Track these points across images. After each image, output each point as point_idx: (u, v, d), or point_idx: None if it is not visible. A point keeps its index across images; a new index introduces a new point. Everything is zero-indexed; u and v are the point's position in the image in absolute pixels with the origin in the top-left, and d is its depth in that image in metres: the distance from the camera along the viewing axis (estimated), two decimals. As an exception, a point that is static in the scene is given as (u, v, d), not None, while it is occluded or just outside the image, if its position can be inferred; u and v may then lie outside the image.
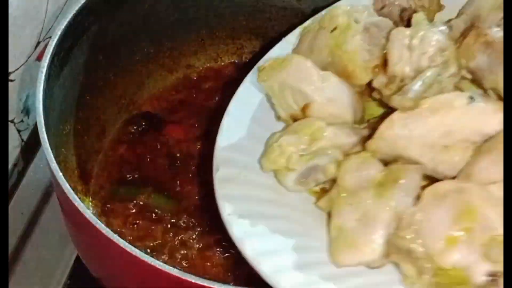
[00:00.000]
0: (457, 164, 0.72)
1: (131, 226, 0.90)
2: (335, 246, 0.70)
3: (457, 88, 0.77)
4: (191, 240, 0.89)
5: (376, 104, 0.83)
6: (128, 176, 0.95)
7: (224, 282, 0.68)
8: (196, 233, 0.89)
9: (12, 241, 0.96)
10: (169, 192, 0.93)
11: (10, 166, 1.01)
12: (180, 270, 0.69)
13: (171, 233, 0.89)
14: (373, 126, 0.76)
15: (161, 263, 0.69)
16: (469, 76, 0.79)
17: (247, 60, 1.10)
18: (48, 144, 0.77)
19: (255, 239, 0.71)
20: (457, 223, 0.66)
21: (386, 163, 0.74)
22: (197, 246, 0.88)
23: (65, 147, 0.89)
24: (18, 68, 0.97)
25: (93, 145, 0.97)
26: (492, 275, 0.65)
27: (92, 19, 0.91)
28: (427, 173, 0.73)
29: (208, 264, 0.87)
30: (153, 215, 0.91)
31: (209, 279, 0.68)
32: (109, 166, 0.97)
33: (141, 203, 0.92)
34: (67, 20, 0.87)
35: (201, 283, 0.68)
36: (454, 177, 0.72)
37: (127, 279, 0.78)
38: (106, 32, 0.94)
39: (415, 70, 0.77)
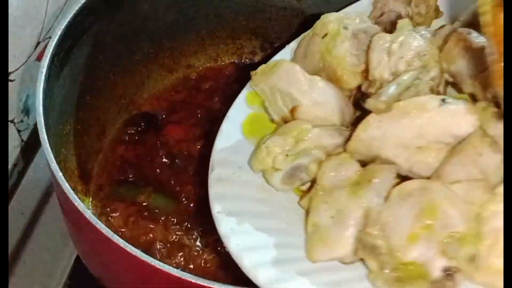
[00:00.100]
0: (431, 164, 0.73)
1: (131, 226, 0.90)
2: (311, 242, 0.73)
3: (434, 91, 0.78)
4: (191, 240, 0.89)
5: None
6: (128, 176, 0.95)
7: (224, 282, 0.68)
8: (196, 233, 0.89)
9: (12, 241, 0.96)
10: (169, 192, 0.93)
11: (10, 166, 1.01)
12: (180, 270, 0.69)
13: (171, 233, 0.89)
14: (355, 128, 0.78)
15: (161, 263, 0.69)
16: (450, 79, 0.80)
17: (247, 60, 1.10)
18: (48, 144, 0.77)
19: (240, 236, 0.73)
20: (419, 220, 0.68)
21: (365, 164, 0.76)
22: (197, 246, 0.88)
23: (65, 147, 0.89)
24: (18, 68, 0.97)
25: (93, 145, 0.97)
26: (448, 270, 0.67)
27: (92, 19, 0.91)
28: (404, 173, 0.74)
29: (208, 264, 0.87)
30: (153, 215, 0.91)
31: (209, 279, 0.68)
32: (109, 166, 0.97)
33: (141, 203, 0.92)
34: (67, 20, 0.87)
35: (201, 283, 0.68)
36: (429, 178, 0.73)
37: (127, 279, 0.78)
38: (106, 32, 0.94)
39: (393, 74, 0.79)
